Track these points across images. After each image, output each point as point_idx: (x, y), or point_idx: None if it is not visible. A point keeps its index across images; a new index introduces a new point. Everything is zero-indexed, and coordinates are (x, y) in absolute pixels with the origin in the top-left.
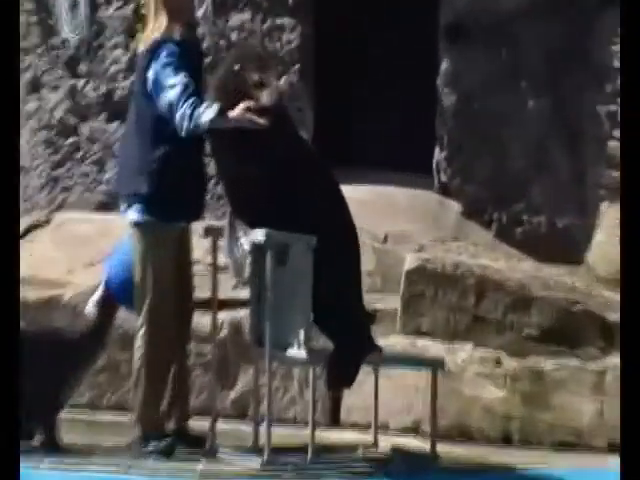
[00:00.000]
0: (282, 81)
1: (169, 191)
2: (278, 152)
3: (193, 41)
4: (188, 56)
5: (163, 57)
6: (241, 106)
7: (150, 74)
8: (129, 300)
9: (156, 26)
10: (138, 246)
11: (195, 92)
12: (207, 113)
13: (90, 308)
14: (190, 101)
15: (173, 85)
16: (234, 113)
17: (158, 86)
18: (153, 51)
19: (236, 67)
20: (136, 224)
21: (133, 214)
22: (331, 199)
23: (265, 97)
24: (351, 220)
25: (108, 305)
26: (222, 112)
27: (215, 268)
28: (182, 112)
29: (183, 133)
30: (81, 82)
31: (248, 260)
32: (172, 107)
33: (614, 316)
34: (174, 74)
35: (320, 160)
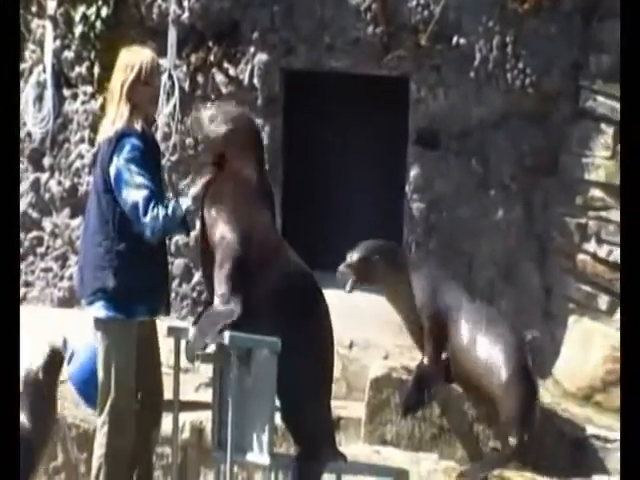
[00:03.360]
0: None
1: (131, 286)
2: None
3: (152, 136)
4: (150, 151)
5: (126, 152)
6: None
7: (112, 169)
8: (92, 398)
9: (117, 116)
10: (102, 343)
11: (162, 195)
12: (185, 200)
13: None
14: (161, 205)
15: (140, 185)
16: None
17: (122, 182)
18: (115, 144)
19: None
20: (99, 321)
21: (96, 310)
22: (309, 297)
23: None
24: (329, 321)
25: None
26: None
27: (177, 369)
28: (155, 213)
29: (153, 233)
30: (45, 176)
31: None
32: (138, 209)
33: (581, 433)
34: (139, 172)
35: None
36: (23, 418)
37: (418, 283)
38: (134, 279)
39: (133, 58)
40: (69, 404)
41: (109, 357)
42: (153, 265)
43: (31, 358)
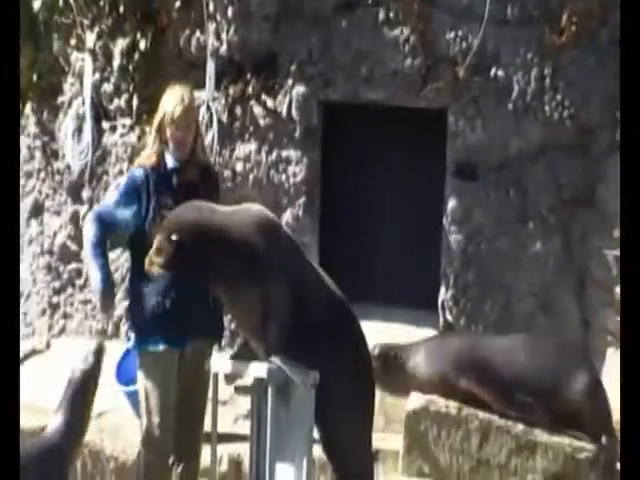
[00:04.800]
0: (287, 214)
1: (140, 318)
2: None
3: (176, 168)
4: (160, 182)
5: (123, 177)
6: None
7: None
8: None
9: (144, 153)
10: (138, 372)
11: (105, 228)
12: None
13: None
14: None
15: (106, 200)
16: None
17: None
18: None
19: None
20: (134, 350)
21: (130, 341)
22: (345, 327)
23: None
24: (367, 352)
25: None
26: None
27: (215, 401)
28: (87, 224)
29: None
30: (84, 208)
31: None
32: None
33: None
34: (113, 196)
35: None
36: (59, 420)
37: (447, 347)
38: (141, 310)
39: (166, 99)
40: (107, 436)
41: (142, 387)
42: (161, 296)
43: (79, 357)
